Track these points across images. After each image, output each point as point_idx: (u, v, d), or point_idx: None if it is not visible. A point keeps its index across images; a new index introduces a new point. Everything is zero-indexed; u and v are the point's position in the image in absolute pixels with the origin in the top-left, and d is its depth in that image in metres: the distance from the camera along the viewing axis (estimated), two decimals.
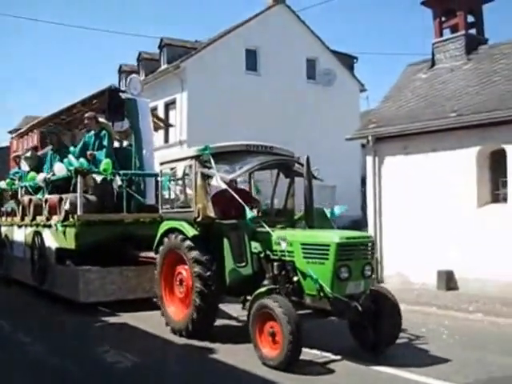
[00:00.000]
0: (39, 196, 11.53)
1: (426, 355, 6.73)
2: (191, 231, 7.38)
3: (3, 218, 13.82)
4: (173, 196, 8.81)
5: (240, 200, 6.97)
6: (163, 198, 8.65)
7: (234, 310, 8.52)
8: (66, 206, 10.04)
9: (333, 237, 6.13)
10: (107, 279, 9.80)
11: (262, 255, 7.06)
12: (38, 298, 11.27)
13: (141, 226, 10.28)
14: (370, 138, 13.32)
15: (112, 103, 11.12)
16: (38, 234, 11.22)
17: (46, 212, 10.84)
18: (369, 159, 13.75)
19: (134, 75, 11.62)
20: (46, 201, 10.93)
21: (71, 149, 10.81)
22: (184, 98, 25.15)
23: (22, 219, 12.25)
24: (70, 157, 10.50)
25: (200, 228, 7.40)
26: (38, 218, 11.43)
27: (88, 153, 10.63)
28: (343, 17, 73.68)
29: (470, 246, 11.23)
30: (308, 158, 7.01)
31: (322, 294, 6.12)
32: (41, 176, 11.84)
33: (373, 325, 6.61)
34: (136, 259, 9.91)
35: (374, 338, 6.64)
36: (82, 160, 10.31)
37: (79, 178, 9.91)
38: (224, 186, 7.09)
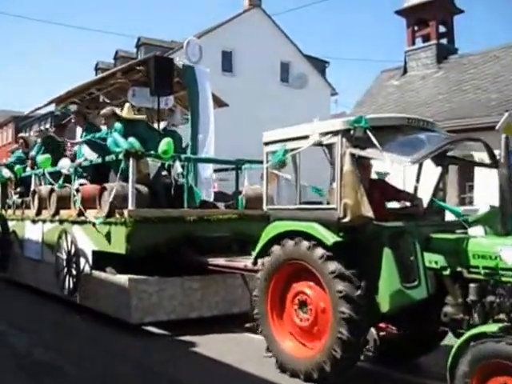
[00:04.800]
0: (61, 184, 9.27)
1: None
2: (331, 237, 5.26)
3: (9, 212, 11.40)
4: (284, 187, 6.63)
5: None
6: (270, 191, 6.44)
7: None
8: (111, 198, 7.80)
9: None
10: (166, 293, 7.61)
11: (447, 272, 5.01)
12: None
13: (204, 226, 8.16)
14: None
15: (158, 74, 8.92)
16: (65, 232, 8.90)
17: (78, 205, 8.54)
18: None
19: (191, 37, 9.37)
20: (78, 191, 8.66)
21: (118, 125, 8.50)
22: None
23: (39, 213, 9.91)
24: (116, 135, 8.22)
25: (342, 233, 5.32)
26: (64, 213, 9.14)
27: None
28: (317, 22, 73.45)
29: None
30: (507, 138, 4.99)
31: None
32: (65, 162, 9.60)
33: None
34: (202, 267, 7.76)
35: None
36: (131, 139, 8.05)
37: (131, 162, 7.69)
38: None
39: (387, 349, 6.22)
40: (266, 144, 6.23)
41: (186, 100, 10.03)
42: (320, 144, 5.58)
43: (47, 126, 32.42)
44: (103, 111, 8.77)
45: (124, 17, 75.03)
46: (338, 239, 5.26)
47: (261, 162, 8.42)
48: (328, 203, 5.71)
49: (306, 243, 5.43)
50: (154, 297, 7.50)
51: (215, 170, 9.56)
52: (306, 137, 5.69)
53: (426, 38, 17.31)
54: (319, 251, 5.31)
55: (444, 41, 17.39)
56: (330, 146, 5.58)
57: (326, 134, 5.45)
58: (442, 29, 17.47)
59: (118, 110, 8.55)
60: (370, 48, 71.95)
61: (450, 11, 17.34)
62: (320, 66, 32.27)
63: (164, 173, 8.81)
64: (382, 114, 5.81)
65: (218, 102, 10.13)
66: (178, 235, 7.91)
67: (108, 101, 10.12)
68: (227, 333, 7.59)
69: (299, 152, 5.83)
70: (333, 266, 5.21)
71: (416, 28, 17.63)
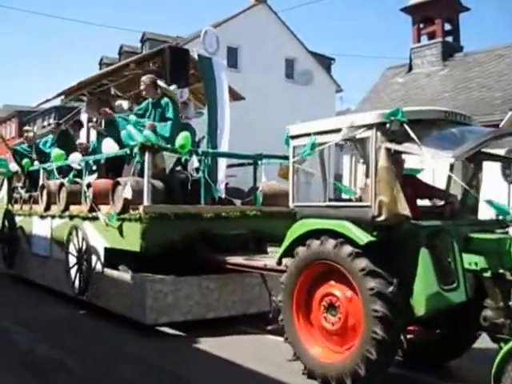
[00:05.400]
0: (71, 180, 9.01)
1: None
2: (364, 236, 4.98)
3: (16, 207, 11.12)
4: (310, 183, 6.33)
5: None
6: (296, 186, 6.10)
7: None
8: (125, 194, 7.52)
9: None
10: (182, 292, 7.33)
11: (488, 274, 4.74)
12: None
13: (221, 223, 7.89)
14: None
15: (173, 65, 8.62)
16: (75, 228, 8.62)
17: (89, 200, 8.26)
18: (347, 158, 13.52)
19: (209, 27, 9.04)
20: (89, 186, 8.38)
21: (131, 117, 8.22)
22: None
23: (47, 208, 9.63)
24: (130, 127, 7.93)
25: (376, 231, 5.04)
26: (74, 208, 8.86)
27: (147, 123, 8.07)
28: (322, 19, 73.40)
29: None
30: None
31: None
32: (76, 156, 9.37)
33: None
34: (218, 265, 7.49)
35: None
36: (147, 132, 7.78)
37: (147, 157, 7.40)
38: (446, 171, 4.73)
39: (415, 352, 5.96)
40: (292, 138, 5.92)
41: (200, 93, 9.75)
42: (352, 138, 5.30)
43: (51, 120, 32.20)
44: (143, 78, 8.37)
45: (128, 11, 74.91)
46: (372, 238, 4.98)
47: (279, 158, 8.23)
48: (360, 200, 5.43)
49: (332, 241, 5.15)
50: (169, 297, 7.22)
51: (228, 166, 9.24)
52: (335, 130, 5.40)
53: (431, 36, 17.32)
54: (347, 249, 5.04)
55: (449, 39, 17.37)
56: (362, 141, 5.29)
57: (359, 127, 5.17)
58: (447, 26, 17.48)
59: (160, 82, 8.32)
60: (375, 45, 72.10)
61: (455, 9, 17.29)
62: (325, 62, 32.03)
63: (178, 168, 8.54)
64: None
65: (234, 95, 9.77)
66: (195, 232, 7.64)
67: (120, 94, 9.83)
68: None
69: (329, 146, 5.54)
70: (363, 262, 4.93)
71: (421, 25, 17.61)
